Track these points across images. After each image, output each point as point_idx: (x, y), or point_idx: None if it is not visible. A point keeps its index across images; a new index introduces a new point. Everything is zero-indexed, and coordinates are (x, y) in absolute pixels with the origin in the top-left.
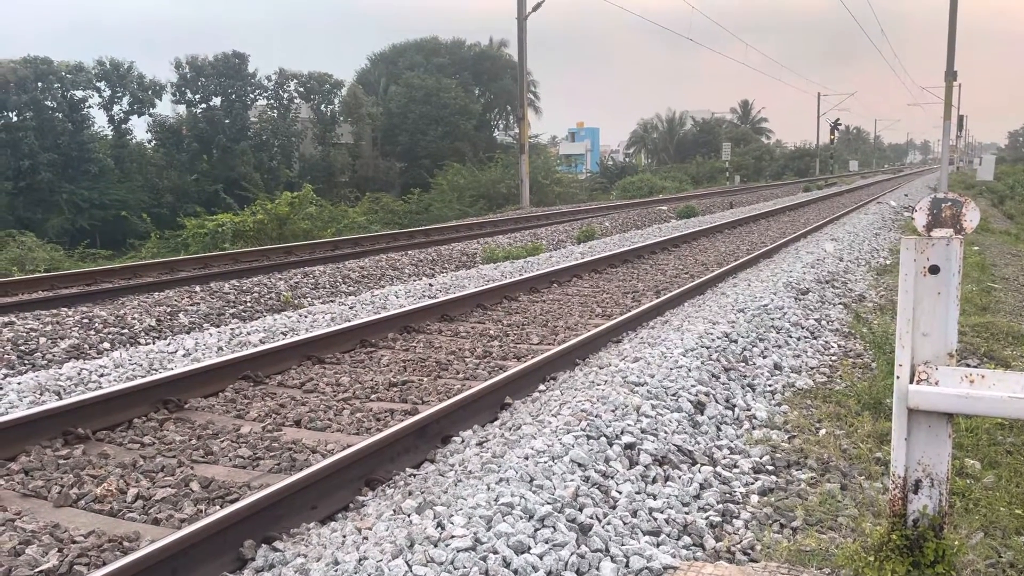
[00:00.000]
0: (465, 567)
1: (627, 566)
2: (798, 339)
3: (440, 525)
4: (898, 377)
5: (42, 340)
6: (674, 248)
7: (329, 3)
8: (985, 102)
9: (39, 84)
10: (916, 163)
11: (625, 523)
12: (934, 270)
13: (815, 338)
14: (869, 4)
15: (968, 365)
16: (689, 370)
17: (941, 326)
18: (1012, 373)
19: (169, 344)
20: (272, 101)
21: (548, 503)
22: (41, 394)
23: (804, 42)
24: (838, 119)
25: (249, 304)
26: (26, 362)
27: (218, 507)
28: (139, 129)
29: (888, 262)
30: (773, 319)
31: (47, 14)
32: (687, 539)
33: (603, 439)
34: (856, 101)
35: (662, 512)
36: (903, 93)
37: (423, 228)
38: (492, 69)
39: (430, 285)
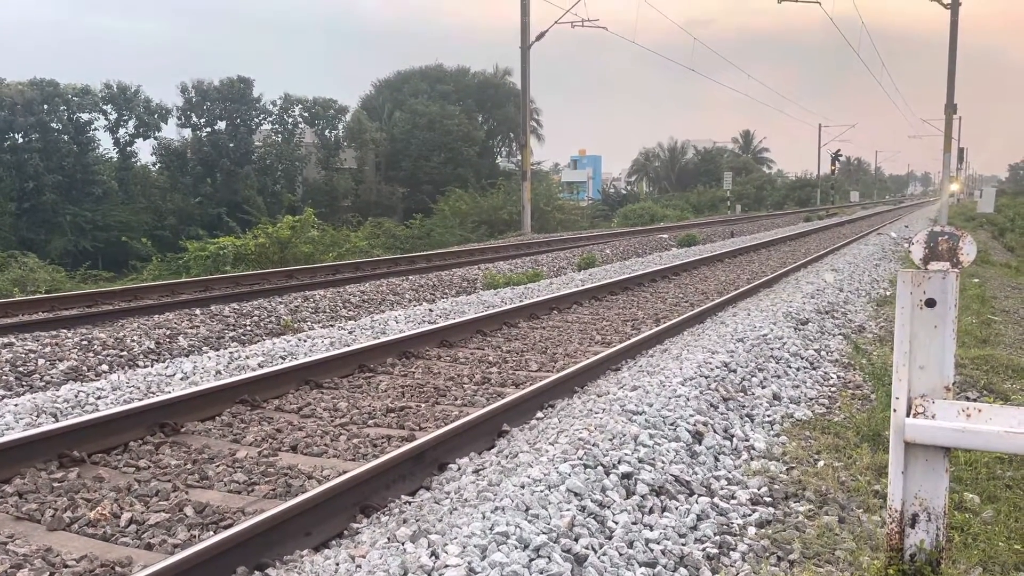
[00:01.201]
0: None
1: None
2: (797, 369)
3: (434, 554)
4: (895, 410)
5: (41, 362)
6: (674, 276)
7: (336, 30)
8: (986, 135)
9: (45, 106)
10: (917, 194)
11: (621, 554)
12: (931, 303)
13: (814, 369)
14: (869, 37)
15: (967, 398)
16: (688, 399)
17: (938, 359)
18: (1009, 407)
19: (167, 367)
20: (276, 126)
21: (544, 533)
22: (38, 416)
23: (805, 73)
24: (839, 150)
25: (249, 328)
26: (24, 384)
27: (212, 532)
28: (144, 152)
29: (888, 293)
30: (772, 349)
31: (49, 31)
32: (683, 571)
33: (600, 468)
34: (857, 132)
35: (658, 543)
36: (903, 125)
37: (424, 253)
38: (496, 96)
39: (430, 310)
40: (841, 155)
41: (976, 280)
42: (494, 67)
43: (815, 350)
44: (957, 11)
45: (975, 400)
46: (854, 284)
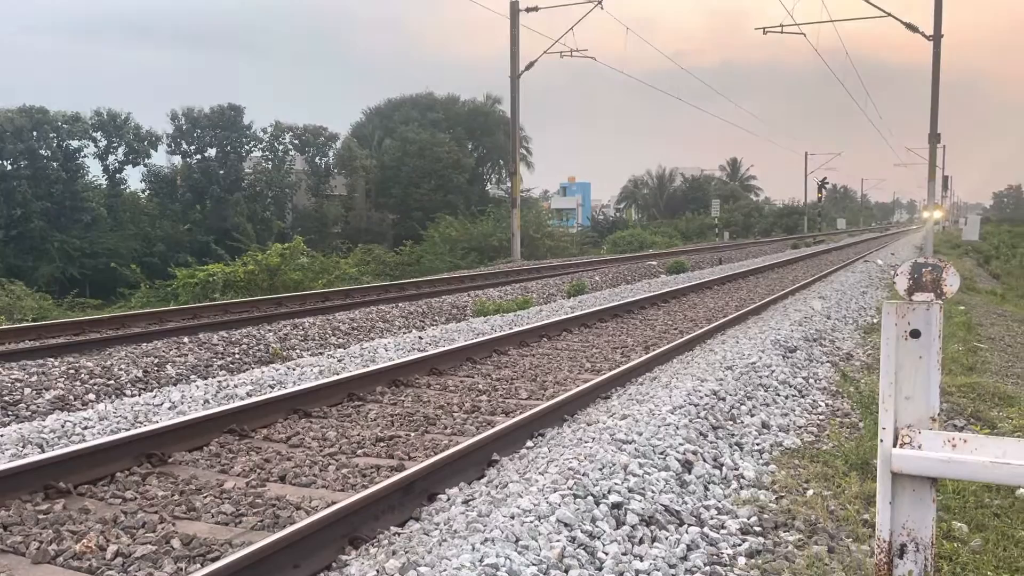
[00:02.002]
0: None
1: None
2: (786, 397)
3: None
4: (882, 440)
5: (27, 391)
6: (663, 303)
7: (328, 58)
8: (970, 162)
9: (35, 133)
10: (903, 222)
11: None
12: (915, 334)
13: (803, 396)
14: (854, 67)
15: (955, 426)
16: (677, 428)
17: (923, 390)
18: (994, 438)
19: (155, 396)
20: (267, 153)
21: (533, 564)
22: (24, 446)
23: (791, 103)
24: (825, 178)
25: (237, 356)
26: (10, 413)
27: (199, 565)
28: (133, 179)
29: (875, 321)
30: (761, 377)
31: (43, 62)
32: None
33: (590, 498)
34: (843, 161)
35: (648, 574)
36: (889, 153)
37: (414, 280)
38: (485, 124)
39: (420, 338)
40: (827, 183)
41: (962, 307)
42: (484, 95)
43: (803, 378)
44: (939, 43)
45: (963, 428)
46: (841, 312)
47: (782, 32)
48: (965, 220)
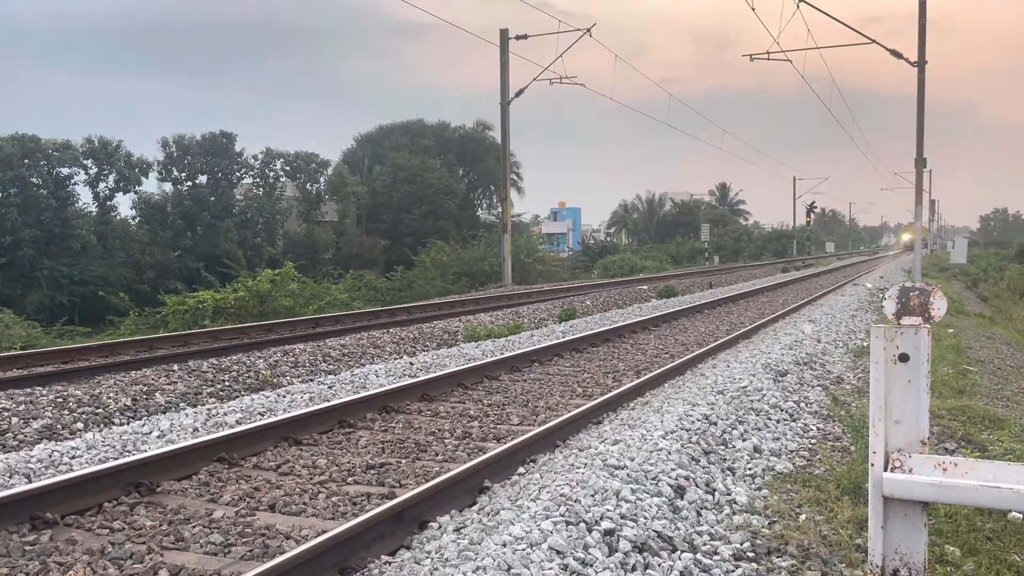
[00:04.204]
0: None
1: None
2: (777, 421)
3: None
4: (872, 465)
5: (14, 420)
6: (654, 328)
7: (319, 85)
8: (956, 186)
9: (26, 161)
10: (891, 245)
11: None
12: (904, 358)
13: (794, 420)
14: (840, 93)
15: (946, 449)
16: (669, 453)
17: (913, 414)
18: (984, 461)
19: (144, 425)
20: (258, 179)
21: None
22: (10, 477)
23: (779, 128)
24: (814, 202)
25: (227, 383)
26: None
27: None
28: (124, 206)
29: (865, 344)
30: (752, 401)
31: (34, 91)
32: None
33: (582, 525)
34: (831, 185)
35: None
36: (876, 178)
37: (405, 306)
38: (476, 150)
39: (411, 364)
40: (816, 207)
41: (951, 330)
42: (474, 122)
43: (795, 402)
44: (924, 69)
45: (953, 451)
46: (831, 335)
47: (768, 59)
48: (953, 243)
